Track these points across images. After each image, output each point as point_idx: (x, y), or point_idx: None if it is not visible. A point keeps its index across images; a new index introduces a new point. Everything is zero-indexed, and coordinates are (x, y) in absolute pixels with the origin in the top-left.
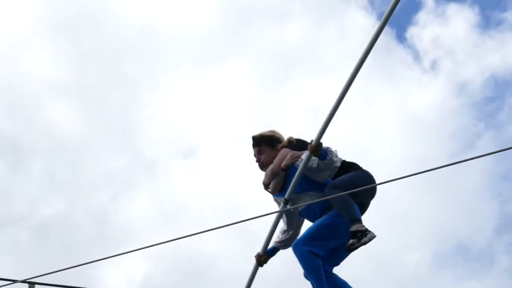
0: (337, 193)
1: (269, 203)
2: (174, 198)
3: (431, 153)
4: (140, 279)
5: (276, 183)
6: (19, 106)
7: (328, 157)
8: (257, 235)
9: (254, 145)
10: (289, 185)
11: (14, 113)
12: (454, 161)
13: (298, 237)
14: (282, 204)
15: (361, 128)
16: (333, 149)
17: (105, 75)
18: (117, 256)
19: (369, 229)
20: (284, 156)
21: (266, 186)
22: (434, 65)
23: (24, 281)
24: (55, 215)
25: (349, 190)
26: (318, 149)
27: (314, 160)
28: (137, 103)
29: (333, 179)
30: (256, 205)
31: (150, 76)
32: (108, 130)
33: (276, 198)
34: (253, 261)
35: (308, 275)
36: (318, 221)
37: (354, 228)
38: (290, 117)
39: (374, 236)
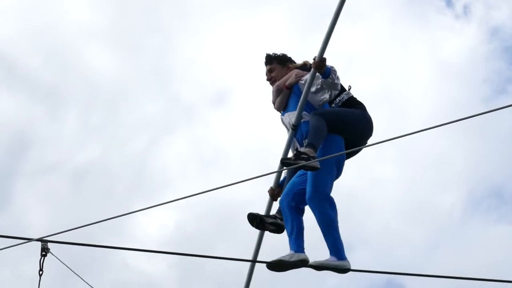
0: (320, 119)
1: None
2: (210, 144)
3: (464, 98)
4: (172, 227)
5: (280, 101)
6: (56, 51)
7: (331, 76)
8: None
9: (266, 63)
10: (292, 104)
11: (51, 59)
12: (488, 109)
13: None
14: (290, 130)
15: (394, 74)
16: (337, 70)
17: (142, 19)
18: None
19: (318, 164)
20: (292, 75)
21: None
22: (466, 10)
23: (38, 240)
24: (91, 162)
25: (335, 121)
26: (322, 65)
27: (318, 78)
28: (173, 47)
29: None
30: None
31: (187, 20)
32: (144, 75)
33: (282, 118)
34: None
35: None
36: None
37: (304, 150)
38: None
39: (316, 166)
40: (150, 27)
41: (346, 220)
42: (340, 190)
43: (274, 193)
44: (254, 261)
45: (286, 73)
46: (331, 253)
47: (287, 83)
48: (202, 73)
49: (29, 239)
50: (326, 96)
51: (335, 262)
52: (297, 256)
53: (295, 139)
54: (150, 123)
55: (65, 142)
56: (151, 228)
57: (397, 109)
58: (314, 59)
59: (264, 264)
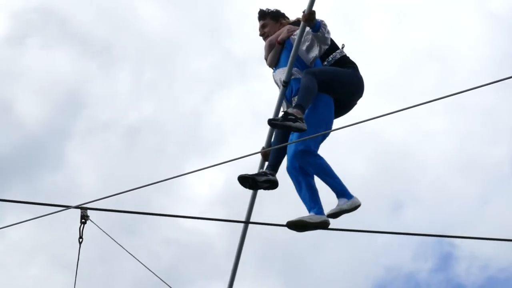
0: (311, 79)
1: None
2: (264, 99)
3: None
4: (222, 186)
5: (272, 56)
6: (108, 7)
7: (321, 30)
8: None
9: (259, 19)
10: (284, 60)
11: (103, 15)
12: None
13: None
14: (281, 87)
15: (444, 29)
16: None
17: None
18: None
19: (305, 126)
20: (284, 30)
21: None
22: None
23: (77, 207)
24: (145, 119)
25: (325, 80)
26: (311, 18)
27: (308, 34)
28: (226, 1)
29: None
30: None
31: None
32: (196, 30)
33: (274, 75)
34: None
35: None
36: None
37: (292, 110)
38: (373, 19)
39: (302, 128)
40: None
41: (398, 177)
42: (391, 146)
43: (266, 153)
44: (247, 222)
45: (279, 29)
46: (338, 196)
47: (279, 38)
48: (254, 28)
49: (67, 207)
50: (316, 51)
51: (348, 203)
52: (318, 218)
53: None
54: (203, 78)
55: (118, 99)
56: (201, 187)
57: (447, 64)
58: (303, 12)
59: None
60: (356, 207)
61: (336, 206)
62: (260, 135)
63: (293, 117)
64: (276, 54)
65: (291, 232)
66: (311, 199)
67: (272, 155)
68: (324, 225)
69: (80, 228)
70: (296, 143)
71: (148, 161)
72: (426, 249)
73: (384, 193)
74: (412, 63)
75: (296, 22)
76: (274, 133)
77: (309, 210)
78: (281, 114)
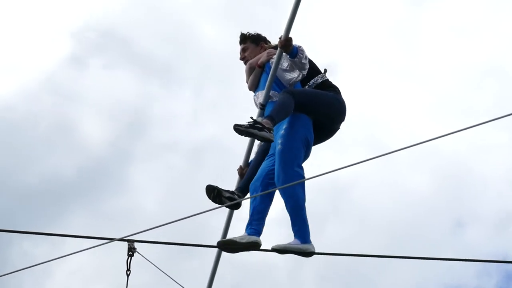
0: (288, 97)
1: (407, 127)
2: None
3: None
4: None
5: (252, 80)
6: (170, 28)
7: (298, 56)
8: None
9: (240, 42)
10: (263, 83)
11: (165, 35)
12: None
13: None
14: (259, 109)
15: (504, 45)
16: (304, 51)
17: None
18: None
19: (272, 136)
20: (264, 54)
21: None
22: None
23: (122, 240)
24: (208, 139)
25: (304, 101)
26: (287, 44)
27: (285, 58)
28: (283, 21)
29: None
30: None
31: None
32: None
33: (254, 98)
34: None
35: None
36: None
37: (262, 120)
38: (432, 37)
39: (269, 138)
40: (262, 1)
41: (459, 193)
42: (452, 162)
43: (243, 172)
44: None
45: (260, 52)
46: (295, 236)
47: (259, 62)
48: (308, 45)
49: (111, 239)
50: (295, 75)
51: (298, 245)
52: (248, 239)
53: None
54: None
55: (181, 120)
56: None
57: (508, 80)
58: (280, 38)
59: None
60: (308, 253)
61: (288, 243)
62: (327, 152)
63: (260, 126)
64: (256, 77)
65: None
66: (254, 219)
67: (246, 177)
68: (254, 246)
69: (128, 261)
70: (280, 165)
71: (211, 182)
72: (489, 268)
73: (446, 210)
74: (472, 79)
75: (277, 46)
76: (256, 153)
77: (245, 229)
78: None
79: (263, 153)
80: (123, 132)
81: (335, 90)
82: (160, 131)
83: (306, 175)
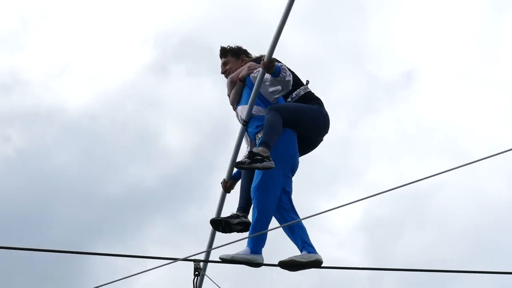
0: (276, 115)
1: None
2: (414, 121)
3: None
4: (360, 211)
5: (234, 94)
6: (251, 34)
7: (281, 75)
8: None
9: (220, 56)
10: (245, 97)
11: (247, 42)
12: None
13: None
14: (241, 126)
15: None
16: (286, 68)
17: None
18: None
19: (272, 164)
20: (245, 67)
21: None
22: None
23: (186, 259)
24: None
25: (289, 117)
26: (271, 66)
27: (267, 77)
28: (367, 26)
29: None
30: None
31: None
32: (339, 54)
33: (236, 112)
34: None
35: None
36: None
37: (257, 150)
38: None
39: (270, 166)
40: (345, 7)
41: None
42: None
43: (227, 186)
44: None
45: (241, 66)
46: (248, 244)
47: (240, 76)
48: (394, 51)
49: (175, 259)
50: (277, 88)
51: (247, 255)
52: (309, 257)
53: (246, 133)
54: (349, 104)
55: None
56: (339, 215)
57: None
58: (262, 59)
59: None
60: (255, 264)
61: (236, 252)
62: (411, 159)
63: (260, 157)
64: (238, 92)
65: None
66: (297, 236)
67: (242, 196)
68: (316, 264)
69: (194, 281)
70: (259, 177)
71: (294, 191)
72: None
73: None
74: None
75: (258, 59)
76: (242, 172)
77: (301, 250)
78: (246, 153)
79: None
80: (206, 141)
81: (318, 102)
82: None
83: (388, 183)
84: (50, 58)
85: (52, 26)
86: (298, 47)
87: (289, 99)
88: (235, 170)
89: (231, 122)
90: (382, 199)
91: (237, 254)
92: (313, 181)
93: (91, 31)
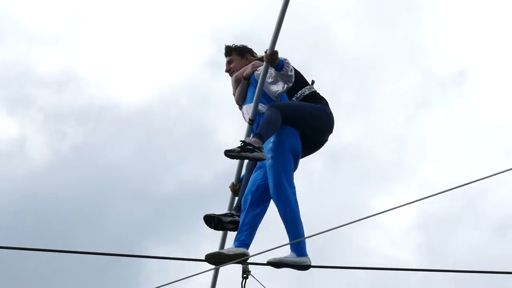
0: (275, 111)
1: None
2: (469, 117)
3: None
4: (415, 210)
5: (239, 93)
6: (305, 32)
7: (284, 68)
8: None
9: (225, 55)
10: (250, 95)
11: (300, 40)
12: None
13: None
14: (247, 125)
15: None
16: (290, 62)
17: None
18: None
19: (264, 155)
20: (249, 66)
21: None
22: None
23: (234, 262)
24: (345, 145)
25: (290, 115)
26: (273, 58)
27: (271, 71)
28: (422, 23)
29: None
30: None
31: None
32: (394, 50)
33: (242, 111)
34: None
35: None
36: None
37: (250, 140)
38: None
39: (261, 158)
40: (400, 3)
41: None
42: None
43: (235, 189)
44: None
45: (246, 65)
46: (291, 249)
47: (244, 74)
48: (451, 46)
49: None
50: (279, 88)
51: (294, 258)
52: (235, 251)
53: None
54: (404, 100)
55: None
56: (393, 213)
57: None
58: (265, 52)
59: None
60: (304, 267)
61: (284, 256)
62: (466, 156)
63: (251, 147)
64: (243, 90)
65: None
66: (243, 230)
67: (240, 194)
68: (240, 257)
69: (242, 284)
70: (272, 180)
71: (349, 189)
72: None
73: None
74: None
75: (263, 58)
76: (245, 167)
77: (234, 241)
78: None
79: (253, 169)
80: None
81: (322, 101)
82: None
83: (442, 180)
84: (104, 55)
85: (105, 23)
86: (354, 43)
87: (293, 99)
88: (243, 172)
89: None
90: (436, 196)
91: (285, 257)
92: (367, 178)
93: (145, 27)
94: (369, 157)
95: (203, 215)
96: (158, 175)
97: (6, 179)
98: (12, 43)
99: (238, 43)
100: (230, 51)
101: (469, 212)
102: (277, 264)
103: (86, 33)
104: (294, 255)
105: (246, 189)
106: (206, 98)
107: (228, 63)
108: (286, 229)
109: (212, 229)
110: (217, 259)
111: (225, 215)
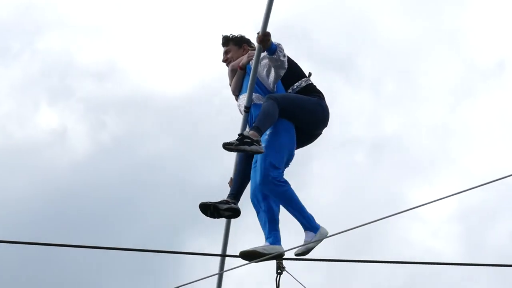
0: (273, 104)
1: None
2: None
3: None
4: (456, 200)
5: (235, 82)
6: (349, 21)
7: (277, 53)
8: None
9: (222, 45)
10: (246, 85)
11: (344, 29)
12: None
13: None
14: (243, 113)
15: None
16: (283, 48)
17: None
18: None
19: (261, 148)
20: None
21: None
22: None
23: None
24: (389, 134)
25: (287, 107)
26: (265, 39)
27: (265, 57)
28: (465, 9)
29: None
30: None
31: None
32: (438, 39)
33: (238, 102)
34: None
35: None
36: None
37: (248, 133)
38: None
39: (259, 151)
40: None
41: None
42: None
43: None
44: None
45: (242, 55)
46: (305, 229)
47: (240, 64)
48: (495, 35)
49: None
50: (273, 76)
51: (316, 238)
52: (271, 249)
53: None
54: (448, 89)
55: (361, 115)
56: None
57: None
58: (258, 33)
59: None
60: (323, 239)
61: (304, 243)
62: (508, 146)
63: (249, 140)
64: (239, 80)
65: None
66: (270, 228)
67: (234, 182)
68: (278, 256)
69: (276, 279)
70: (261, 171)
71: (393, 180)
72: None
73: None
74: None
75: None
76: (237, 158)
77: (266, 239)
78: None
79: (244, 159)
80: None
81: (319, 95)
82: (342, 127)
83: (485, 170)
84: (146, 45)
85: (148, 13)
86: (397, 33)
87: (290, 90)
88: (236, 163)
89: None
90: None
91: (307, 243)
92: (409, 168)
93: (187, 17)
94: (411, 147)
95: (199, 203)
96: (201, 166)
97: (48, 170)
98: (55, 34)
99: (236, 33)
100: (227, 41)
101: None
102: (305, 252)
103: (128, 23)
104: (312, 234)
105: (252, 189)
106: None
107: (225, 53)
108: (290, 213)
109: (209, 217)
110: (252, 257)
111: (220, 202)
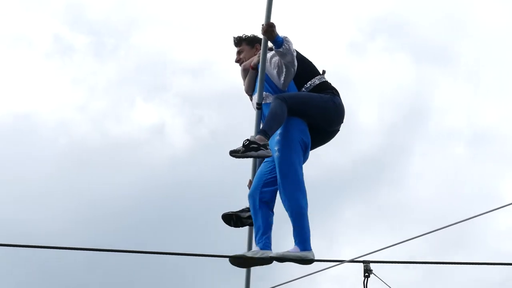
0: (280, 104)
1: None
2: None
3: None
4: None
5: (248, 82)
6: (447, 12)
7: (284, 46)
8: None
9: (235, 45)
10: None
11: (442, 19)
12: None
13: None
14: (256, 110)
15: None
16: (291, 41)
17: None
18: None
19: (269, 153)
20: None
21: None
22: None
23: (353, 261)
24: (488, 126)
25: (296, 106)
26: (270, 30)
27: (274, 56)
28: None
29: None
30: None
31: None
32: None
33: (252, 102)
34: None
35: None
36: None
37: (254, 138)
38: None
39: (266, 155)
40: None
41: None
42: None
43: None
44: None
45: (255, 54)
46: (295, 243)
47: (252, 63)
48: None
49: (341, 261)
50: (284, 74)
51: (297, 253)
52: (262, 253)
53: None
54: None
55: (461, 106)
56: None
57: None
58: (262, 25)
59: None
60: (307, 261)
61: (286, 251)
62: None
63: (256, 145)
64: (251, 80)
65: None
66: (263, 233)
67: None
68: (268, 261)
69: (364, 282)
70: (280, 173)
71: (490, 173)
72: None
73: None
74: None
75: (272, 48)
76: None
77: (256, 243)
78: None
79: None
80: (400, 121)
81: (333, 92)
82: (441, 118)
83: None
84: None
85: (242, 9)
86: (496, 21)
87: (303, 89)
88: (257, 167)
89: (425, 101)
90: None
91: (288, 252)
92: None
93: (281, 12)
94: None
95: (221, 214)
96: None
97: (148, 165)
98: (150, 30)
99: (248, 33)
100: (240, 41)
101: None
102: (280, 259)
103: (223, 20)
104: (298, 249)
105: (253, 186)
106: (347, 80)
107: (238, 53)
108: (292, 223)
109: (232, 227)
110: (242, 262)
111: (242, 211)
